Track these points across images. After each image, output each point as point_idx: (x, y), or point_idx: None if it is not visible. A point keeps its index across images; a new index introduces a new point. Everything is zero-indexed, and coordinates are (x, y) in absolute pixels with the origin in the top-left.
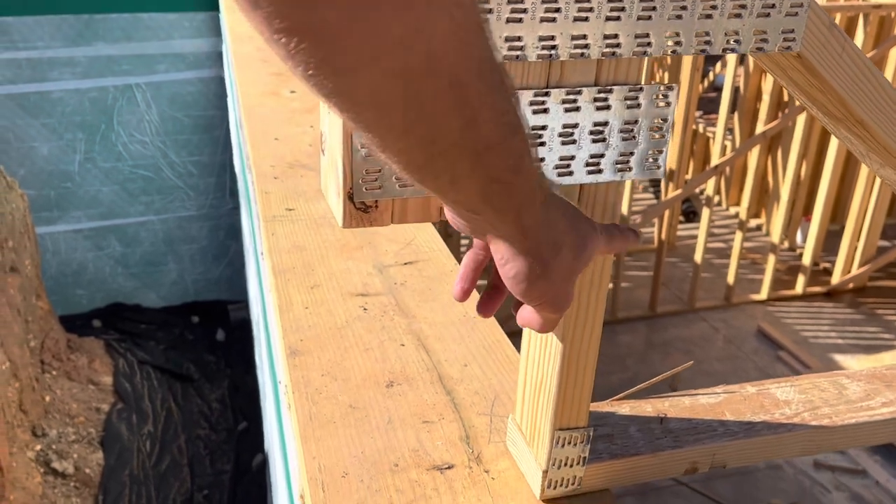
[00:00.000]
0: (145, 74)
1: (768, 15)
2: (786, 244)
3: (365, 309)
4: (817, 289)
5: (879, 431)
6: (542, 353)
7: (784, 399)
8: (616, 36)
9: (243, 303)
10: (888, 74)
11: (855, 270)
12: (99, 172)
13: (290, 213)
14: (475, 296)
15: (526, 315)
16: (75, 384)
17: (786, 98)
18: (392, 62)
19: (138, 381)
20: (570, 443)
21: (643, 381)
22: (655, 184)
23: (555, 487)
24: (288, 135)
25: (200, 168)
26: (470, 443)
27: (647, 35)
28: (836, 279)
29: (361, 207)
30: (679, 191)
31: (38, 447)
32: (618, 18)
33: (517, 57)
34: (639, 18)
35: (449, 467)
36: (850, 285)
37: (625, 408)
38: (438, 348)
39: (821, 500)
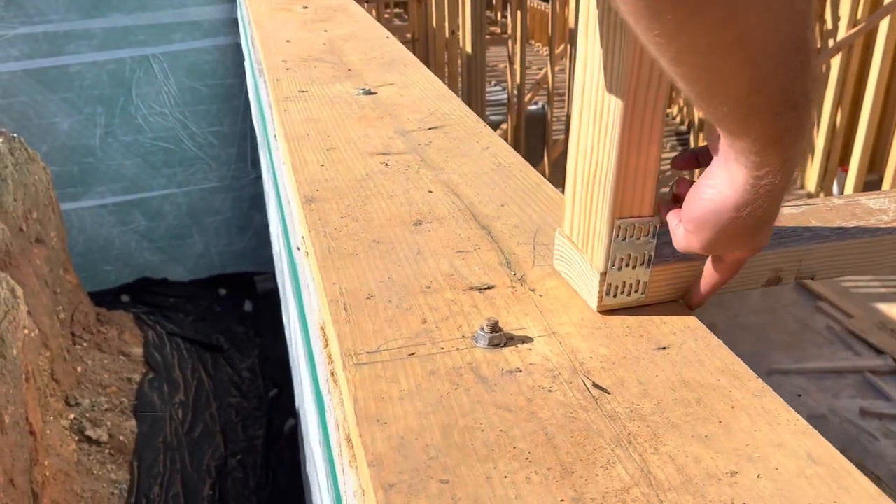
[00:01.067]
0: (161, 44)
1: None
2: (822, 195)
3: (387, 164)
4: None
5: None
6: (596, 127)
7: (879, 207)
8: None
9: (269, 274)
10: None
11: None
12: (120, 146)
13: (303, 94)
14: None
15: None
16: (106, 355)
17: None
18: None
19: (168, 353)
20: (632, 236)
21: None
22: (683, 141)
23: (615, 295)
24: (301, 38)
25: (221, 138)
26: (512, 267)
27: None
28: None
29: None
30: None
31: (72, 416)
32: None
33: None
34: None
35: (489, 287)
36: None
37: None
38: (470, 193)
39: (868, 447)
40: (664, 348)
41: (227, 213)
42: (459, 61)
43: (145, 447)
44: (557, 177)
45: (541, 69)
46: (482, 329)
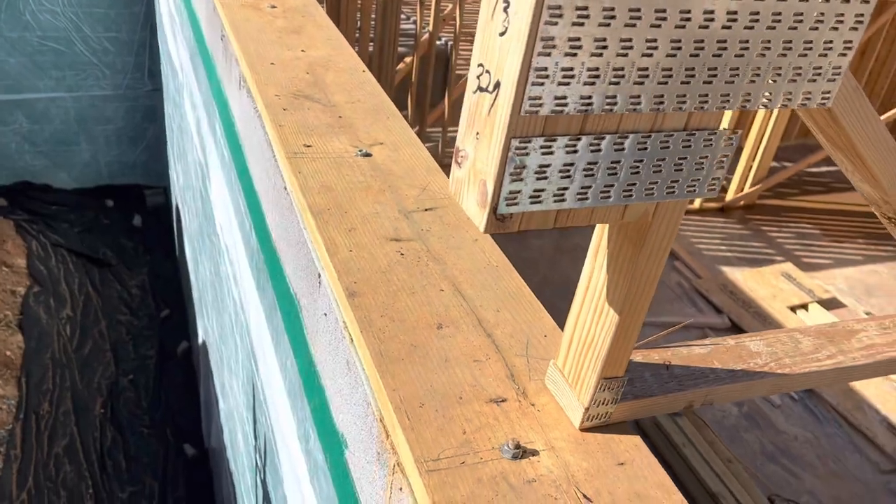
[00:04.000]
0: None
1: (815, 80)
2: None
3: (402, 254)
4: (713, 204)
5: (825, 378)
6: (595, 317)
7: (756, 351)
8: (638, 97)
9: (160, 188)
10: None
11: (747, 189)
12: (4, 42)
13: (309, 150)
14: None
15: None
16: None
17: None
18: None
19: (54, 265)
20: (609, 388)
21: (551, 286)
22: None
23: (591, 420)
24: (283, 60)
25: (118, 45)
26: (515, 380)
27: (662, 96)
28: (730, 196)
29: (500, 218)
30: None
31: None
32: (642, 84)
33: (562, 111)
34: (659, 83)
35: (503, 400)
36: (742, 203)
37: (637, 356)
38: (472, 294)
39: None
40: (622, 464)
41: (118, 122)
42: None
43: (33, 363)
44: (456, 117)
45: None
46: (507, 444)
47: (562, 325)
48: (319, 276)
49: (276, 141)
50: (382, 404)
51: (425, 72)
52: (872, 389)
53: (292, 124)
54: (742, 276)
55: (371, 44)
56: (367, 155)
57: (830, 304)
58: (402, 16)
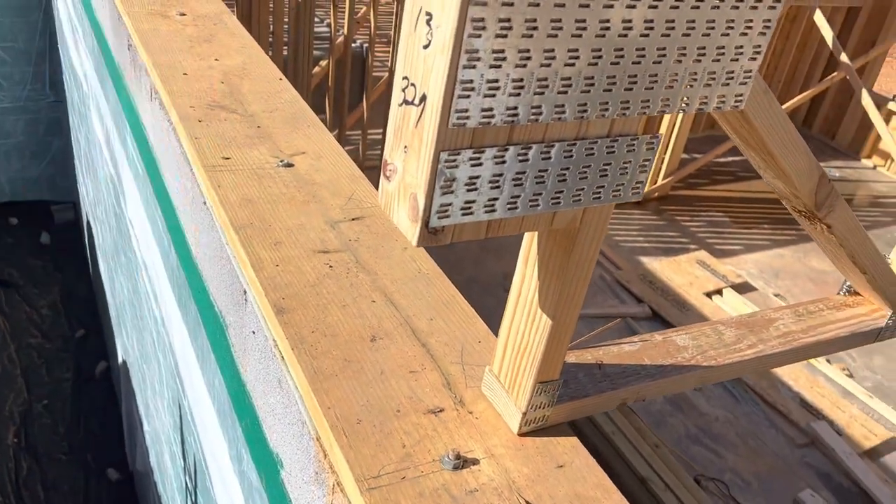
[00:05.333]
0: None
1: (728, 84)
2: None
3: (331, 267)
4: None
5: (748, 367)
6: (528, 323)
7: (682, 345)
8: (563, 106)
9: (69, 203)
10: None
11: (661, 181)
12: None
13: (228, 163)
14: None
15: None
16: None
17: None
18: None
19: None
20: (545, 392)
21: (478, 284)
22: None
23: (529, 424)
24: (195, 70)
25: (15, 55)
26: (452, 389)
27: (584, 105)
28: (645, 189)
29: (432, 231)
30: None
31: None
32: (565, 93)
33: (490, 123)
34: (582, 92)
35: (441, 410)
36: (656, 194)
37: (571, 357)
38: (405, 303)
39: None
40: (562, 466)
41: (19, 136)
42: (286, 3)
43: None
44: (376, 119)
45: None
46: (447, 455)
47: (493, 326)
48: (245, 292)
49: (193, 154)
50: (318, 423)
51: (342, 75)
52: (786, 368)
53: (209, 136)
54: (659, 266)
55: (285, 48)
56: (289, 165)
57: (743, 288)
58: (316, 19)
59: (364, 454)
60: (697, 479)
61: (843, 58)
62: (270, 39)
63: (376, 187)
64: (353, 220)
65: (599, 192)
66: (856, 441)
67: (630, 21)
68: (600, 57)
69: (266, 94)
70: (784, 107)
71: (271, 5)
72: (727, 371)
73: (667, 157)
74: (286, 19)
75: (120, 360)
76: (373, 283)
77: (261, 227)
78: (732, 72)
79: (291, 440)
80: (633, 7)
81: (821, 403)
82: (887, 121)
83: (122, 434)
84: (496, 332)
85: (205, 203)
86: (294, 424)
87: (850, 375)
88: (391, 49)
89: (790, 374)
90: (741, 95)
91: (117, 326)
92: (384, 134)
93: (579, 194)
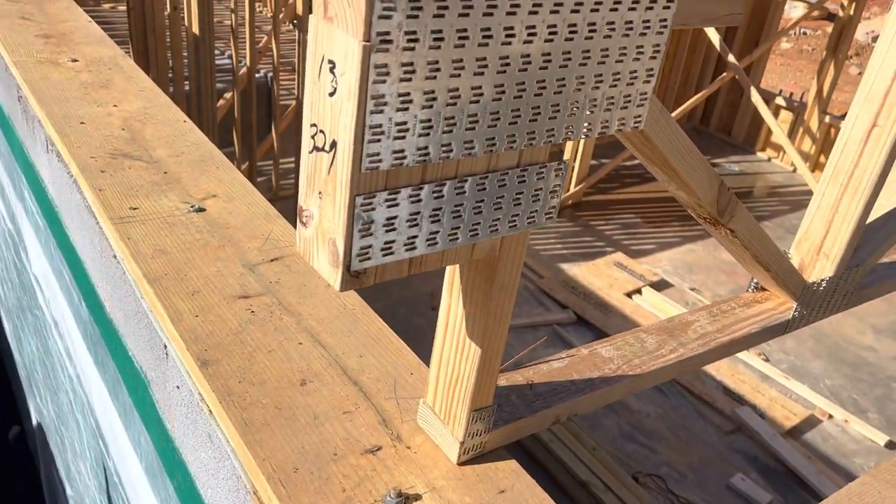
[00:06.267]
0: None
1: (626, 107)
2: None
3: (253, 312)
4: None
5: (670, 371)
6: (458, 353)
7: (608, 356)
8: (472, 141)
9: None
10: None
11: (573, 188)
12: None
13: (137, 213)
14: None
15: None
16: None
17: None
18: None
19: None
20: (481, 419)
21: (405, 305)
22: None
23: (467, 453)
24: (93, 117)
25: None
26: (388, 425)
27: (479, 139)
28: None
29: (354, 275)
30: None
31: None
32: (473, 129)
33: (402, 164)
34: (489, 127)
35: (379, 448)
36: (570, 202)
37: (502, 380)
38: (333, 343)
39: None
40: (503, 491)
41: None
42: (184, 37)
43: None
44: (287, 148)
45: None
46: (389, 495)
47: (425, 347)
48: (165, 346)
49: (98, 206)
50: (254, 476)
51: (248, 106)
52: None
53: (114, 186)
54: (580, 271)
55: (186, 83)
56: (201, 210)
57: (660, 285)
58: (216, 51)
59: (304, 503)
60: (635, 477)
61: (731, 58)
62: (170, 75)
63: (292, 222)
64: (272, 260)
65: (515, 221)
66: (778, 422)
67: (528, 56)
68: (503, 92)
69: (170, 138)
70: (681, 108)
71: (168, 41)
72: (652, 378)
73: (576, 164)
74: (185, 53)
75: (34, 422)
76: (298, 325)
77: (176, 278)
78: (629, 95)
79: (228, 495)
80: (531, 42)
81: (742, 389)
82: (776, 115)
83: (43, 500)
84: (428, 357)
85: (115, 256)
86: (229, 479)
87: (767, 360)
88: (297, 77)
89: (712, 364)
90: (640, 116)
91: (29, 388)
92: (297, 163)
93: (496, 224)
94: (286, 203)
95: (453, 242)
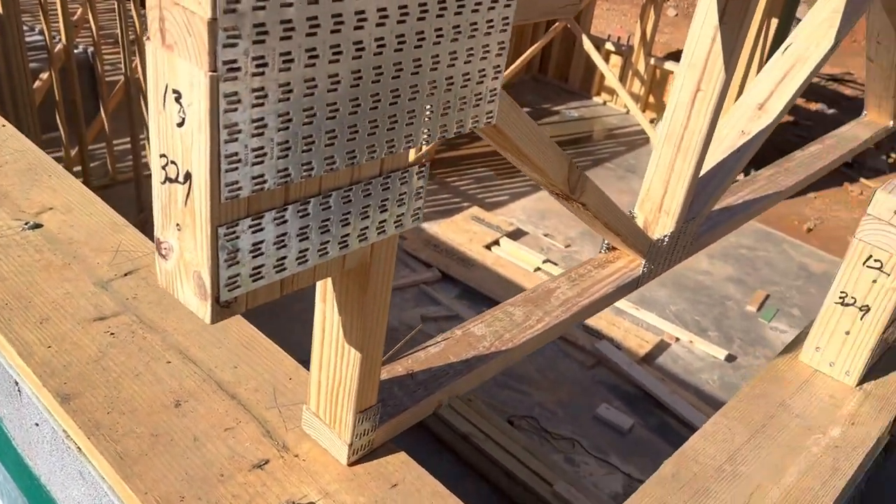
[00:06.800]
0: None
1: (478, 105)
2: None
3: (113, 335)
4: None
5: (540, 339)
6: (338, 358)
7: (480, 334)
8: (332, 157)
9: None
10: None
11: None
12: None
13: None
14: None
15: None
16: None
17: None
18: None
19: None
20: (367, 419)
21: (283, 310)
22: None
23: (356, 453)
24: None
25: None
26: (273, 436)
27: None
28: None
29: (225, 305)
30: None
31: None
32: (332, 144)
33: (263, 188)
34: (348, 140)
35: (266, 462)
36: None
37: (383, 373)
38: (204, 357)
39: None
40: (395, 485)
41: None
42: None
43: None
44: (120, 128)
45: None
46: None
47: (305, 351)
48: (17, 384)
49: None
50: None
51: (69, 86)
52: None
53: None
54: (440, 229)
55: None
56: (37, 226)
57: (516, 234)
58: (25, 27)
59: None
60: (511, 421)
61: None
62: None
63: (142, 229)
64: (125, 275)
65: (383, 227)
66: (633, 351)
67: (380, 67)
68: (359, 105)
69: None
70: (520, 60)
71: None
72: (523, 349)
73: None
74: None
75: None
76: (164, 342)
77: (19, 306)
78: (480, 94)
79: None
80: (380, 54)
81: (599, 325)
82: (607, 60)
83: None
84: (307, 360)
85: None
86: None
87: None
88: (122, 51)
89: None
90: (491, 112)
91: None
92: (133, 143)
93: (364, 233)
94: (126, 187)
95: (324, 257)
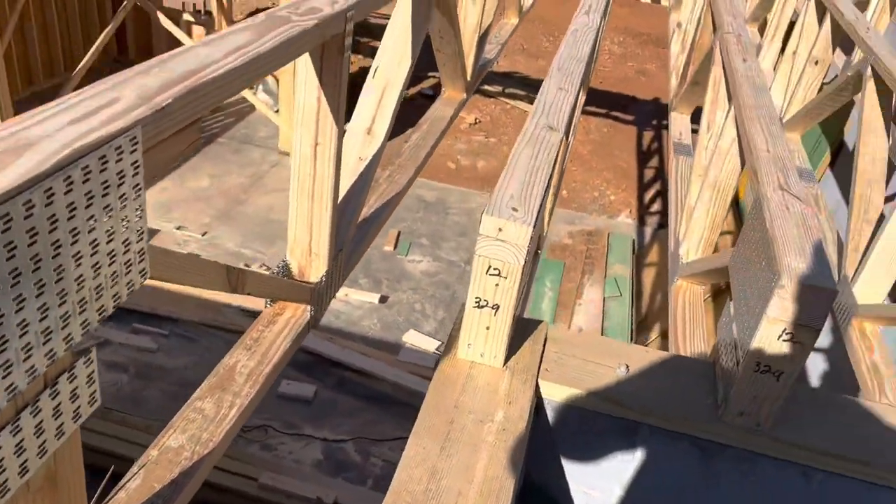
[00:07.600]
0: None
1: (129, 271)
2: None
3: None
4: None
5: (237, 425)
6: None
7: (178, 446)
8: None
9: None
10: None
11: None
12: None
13: None
14: None
15: None
16: None
17: None
18: None
19: None
20: None
21: None
22: None
23: None
24: None
25: None
26: None
27: None
28: None
29: None
30: None
31: None
32: None
33: None
34: None
35: None
36: None
37: None
38: None
39: None
40: None
41: None
42: None
43: None
44: None
45: None
46: None
47: None
48: None
49: None
50: None
51: None
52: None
53: None
54: None
55: None
56: None
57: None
58: None
59: None
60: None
61: None
62: None
63: None
64: None
65: (62, 430)
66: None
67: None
68: (24, 302)
69: None
70: (92, 49)
71: None
72: (226, 442)
73: None
74: None
75: None
76: None
77: None
78: (129, 261)
79: None
80: (18, 269)
81: (258, 304)
82: (189, 32)
83: None
84: None
85: None
86: None
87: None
88: None
89: (214, 292)
90: (144, 269)
91: None
92: None
93: (44, 447)
94: None
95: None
